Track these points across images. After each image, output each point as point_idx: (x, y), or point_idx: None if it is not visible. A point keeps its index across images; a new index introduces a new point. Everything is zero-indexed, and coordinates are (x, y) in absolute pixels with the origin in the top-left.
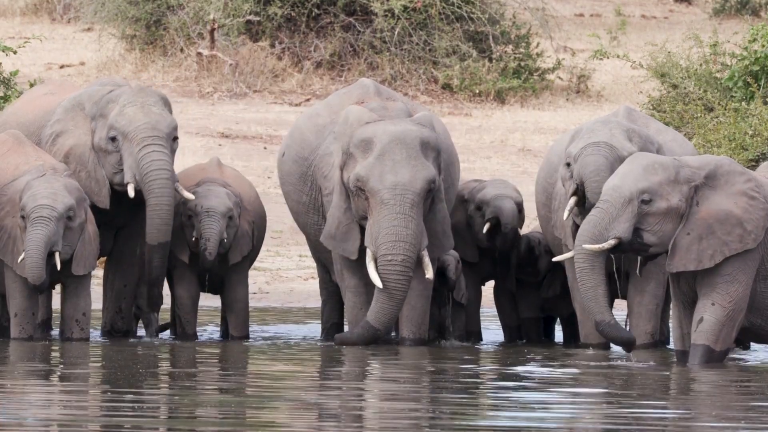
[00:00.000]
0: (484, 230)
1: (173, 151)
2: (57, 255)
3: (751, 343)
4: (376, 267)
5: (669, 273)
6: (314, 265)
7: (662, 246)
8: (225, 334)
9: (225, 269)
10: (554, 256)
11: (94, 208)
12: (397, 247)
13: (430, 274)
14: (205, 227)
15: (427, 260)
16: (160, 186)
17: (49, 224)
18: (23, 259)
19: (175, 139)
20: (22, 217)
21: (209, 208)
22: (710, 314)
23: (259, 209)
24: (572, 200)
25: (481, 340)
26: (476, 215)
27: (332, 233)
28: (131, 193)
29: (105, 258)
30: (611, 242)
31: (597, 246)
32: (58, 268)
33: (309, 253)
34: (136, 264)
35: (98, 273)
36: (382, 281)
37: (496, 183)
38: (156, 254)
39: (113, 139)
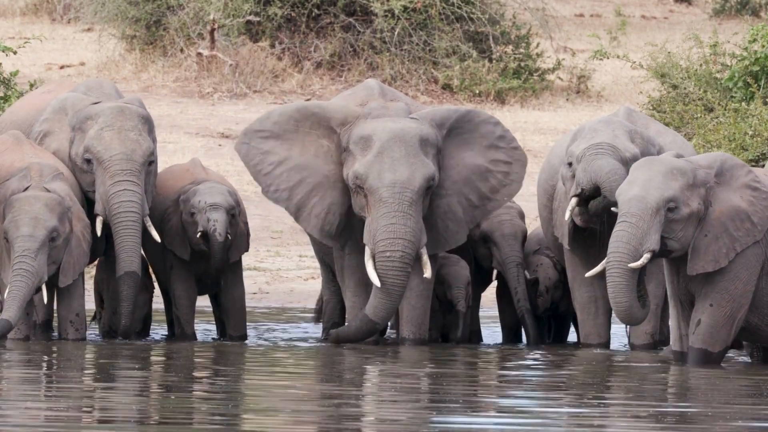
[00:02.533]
0: (494, 277)
1: (150, 172)
2: (44, 287)
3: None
4: (375, 265)
5: (667, 272)
6: (314, 265)
7: (682, 250)
8: (222, 334)
9: (222, 269)
10: (557, 262)
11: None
12: (395, 244)
13: (428, 273)
14: (211, 217)
15: (425, 258)
16: (125, 227)
17: (32, 266)
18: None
19: (152, 163)
20: (6, 239)
21: (213, 203)
22: (708, 316)
23: (243, 210)
24: (573, 201)
25: (481, 339)
26: (481, 244)
27: (333, 231)
28: (99, 227)
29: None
30: (647, 256)
31: (638, 263)
32: (45, 302)
33: (309, 253)
34: None
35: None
36: (380, 278)
37: (503, 214)
38: (124, 284)
39: (88, 161)
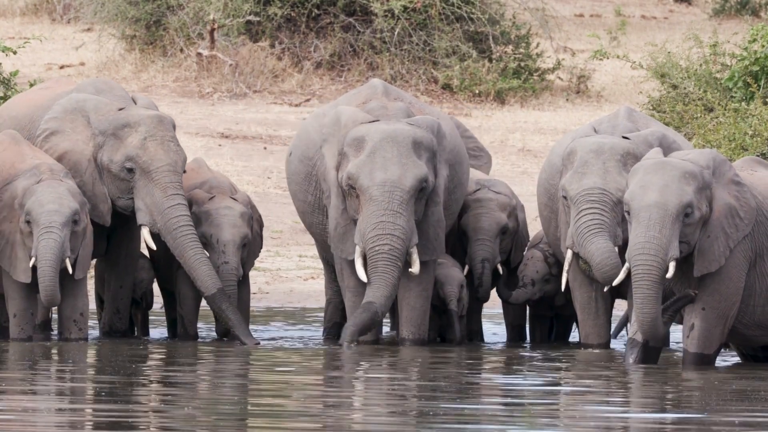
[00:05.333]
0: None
1: None
2: (68, 261)
3: None
4: (364, 263)
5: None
6: (314, 265)
7: (688, 251)
8: (223, 334)
9: None
10: (551, 256)
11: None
12: (383, 239)
13: (416, 268)
14: (222, 273)
15: (415, 256)
16: (192, 239)
17: (59, 235)
18: (38, 275)
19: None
20: (27, 222)
21: (225, 243)
22: (701, 320)
23: (255, 213)
24: (569, 254)
25: (482, 339)
26: (464, 240)
27: (331, 235)
28: (148, 237)
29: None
30: (673, 264)
31: (669, 273)
32: (70, 272)
33: (309, 253)
34: (131, 264)
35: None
36: (372, 268)
37: (479, 208)
38: (220, 302)
39: (130, 170)
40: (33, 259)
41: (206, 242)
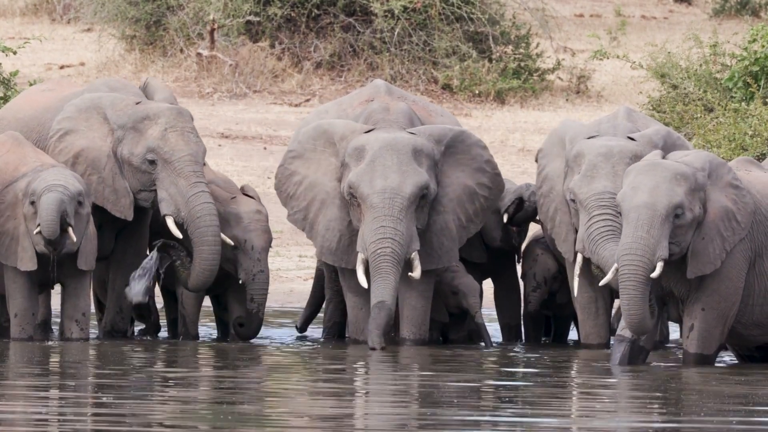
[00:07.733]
0: (505, 218)
1: None
2: (71, 230)
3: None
4: (366, 271)
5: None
6: (314, 265)
7: (681, 253)
8: (223, 334)
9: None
10: (559, 262)
11: (95, 208)
12: (384, 242)
13: (417, 273)
14: (258, 282)
15: (417, 262)
16: (213, 234)
17: (63, 193)
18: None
19: None
20: (32, 202)
21: (260, 250)
22: (700, 321)
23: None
24: (580, 258)
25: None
26: None
27: (333, 247)
28: (172, 227)
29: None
30: (660, 265)
31: (655, 274)
32: (74, 240)
33: (309, 253)
34: (137, 263)
35: None
36: (375, 269)
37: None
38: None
39: (152, 161)
40: (38, 227)
41: (237, 245)
